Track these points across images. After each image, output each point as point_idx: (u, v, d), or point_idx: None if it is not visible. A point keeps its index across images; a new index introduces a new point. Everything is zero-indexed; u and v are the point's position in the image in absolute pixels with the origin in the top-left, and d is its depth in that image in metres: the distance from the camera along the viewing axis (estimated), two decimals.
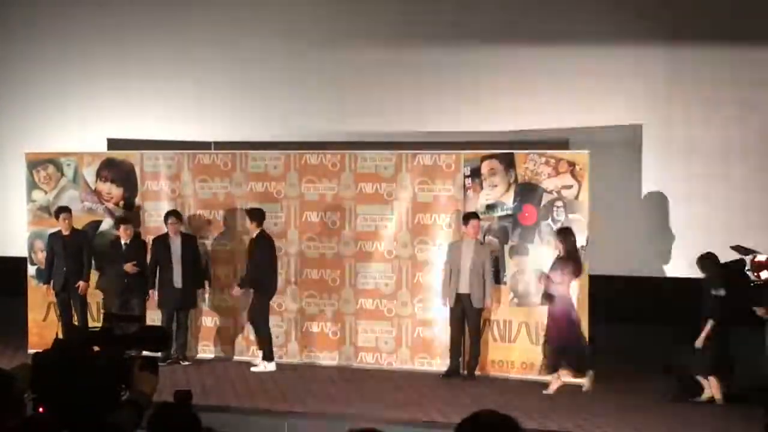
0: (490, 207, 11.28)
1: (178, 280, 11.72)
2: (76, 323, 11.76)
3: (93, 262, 12.06)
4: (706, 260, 10.12)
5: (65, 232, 11.96)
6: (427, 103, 12.57)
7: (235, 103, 13.15)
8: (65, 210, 11.98)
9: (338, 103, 12.83)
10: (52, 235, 12.03)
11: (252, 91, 13.13)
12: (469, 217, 10.99)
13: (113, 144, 13.20)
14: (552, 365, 10.51)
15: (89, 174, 12.46)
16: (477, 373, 11.18)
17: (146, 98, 13.38)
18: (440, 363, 11.42)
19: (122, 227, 11.86)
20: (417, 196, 11.52)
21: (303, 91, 12.96)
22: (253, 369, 11.47)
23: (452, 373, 11.11)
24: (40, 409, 4.13)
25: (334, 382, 10.96)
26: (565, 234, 10.55)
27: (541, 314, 10.93)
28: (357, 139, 12.33)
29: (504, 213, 11.22)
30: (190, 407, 4.71)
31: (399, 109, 12.61)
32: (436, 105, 12.53)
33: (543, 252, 11.00)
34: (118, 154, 12.57)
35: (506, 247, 11.18)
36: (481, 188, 11.29)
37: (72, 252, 11.93)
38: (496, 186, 11.25)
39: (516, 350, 11.19)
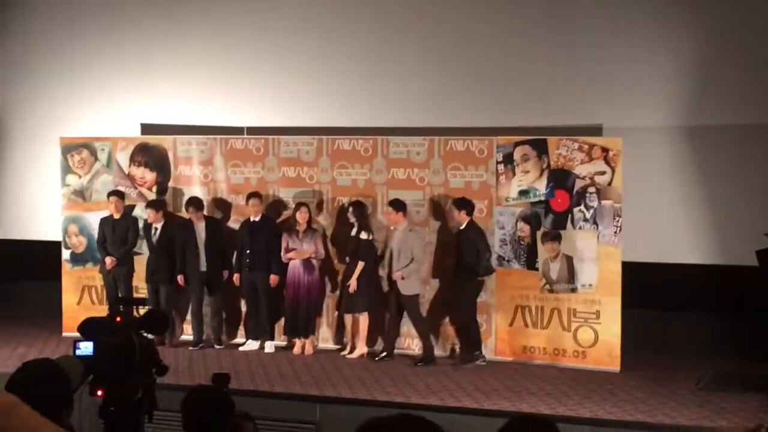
0: (523, 193, 11.27)
1: (203, 264, 11.85)
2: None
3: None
4: (357, 208, 11.26)
5: (115, 216, 12.15)
6: (460, 89, 12.54)
7: (268, 89, 13.15)
8: (116, 194, 12.15)
9: (371, 88, 12.83)
10: (103, 219, 12.23)
11: (285, 76, 13.12)
12: (389, 204, 11.31)
13: (147, 129, 13.22)
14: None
15: (123, 158, 12.56)
16: (509, 359, 11.28)
17: (180, 83, 13.41)
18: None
19: (150, 211, 12.00)
20: (449, 182, 11.53)
21: (336, 76, 12.95)
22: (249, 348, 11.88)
23: (389, 355, 11.31)
24: (99, 393, 4.28)
25: (366, 368, 11.01)
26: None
27: (572, 300, 10.99)
28: (390, 124, 12.33)
29: (536, 199, 11.20)
30: (227, 390, 4.83)
31: (432, 95, 12.60)
32: (469, 90, 12.51)
33: (576, 238, 11.01)
34: (152, 139, 12.63)
35: (538, 233, 11.19)
36: (514, 174, 11.29)
37: (120, 235, 12.13)
38: (528, 172, 11.23)
39: (548, 336, 11.22)
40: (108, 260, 12.13)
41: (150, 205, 12.08)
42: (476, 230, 11.06)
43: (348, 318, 11.56)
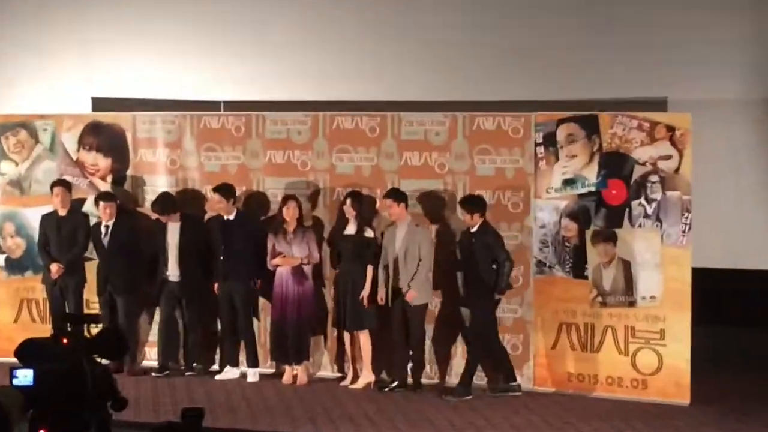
0: (568, 182, 11.22)
1: (173, 273, 11.85)
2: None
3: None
4: (356, 200, 11.35)
5: (61, 212, 12.05)
6: (490, 53, 12.55)
7: (251, 54, 13.13)
8: (60, 183, 12.06)
9: (377, 55, 12.86)
10: (44, 216, 12.13)
11: (271, 39, 13.13)
12: (384, 194, 11.37)
13: (100, 104, 13.21)
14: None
15: (70, 141, 12.45)
16: (551, 389, 11.27)
17: (141, 48, 13.39)
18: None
19: (102, 205, 11.90)
20: (476, 169, 11.49)
21: (334, 40, 12.99)
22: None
23: (400, 385, 11.31)
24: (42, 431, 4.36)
25: (374, 401, 10.94)
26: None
27: (630, 317, 10.94)
28: (400, 98, 12.32)
29: (585, 190, 11.16)
30: (201, 428, 4.95)
31: (455, 61, 12.62)
32: (501, 55, 12.53)
33: (635, 238, 10.92)
34: (106, 117, 12.54)
35: (588, 233, 11.12)
36: (557, 159, 11.24)
37: (67, 236, 12.04)
38: (575, 156, 11.19)
39: (600, 362, 11.14)
40: (53, 267, 12.00)
41: (101, 197, 11.98)
42: (493, 234, 11.07)
43: (348, 338, 11.56)
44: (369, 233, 11.36)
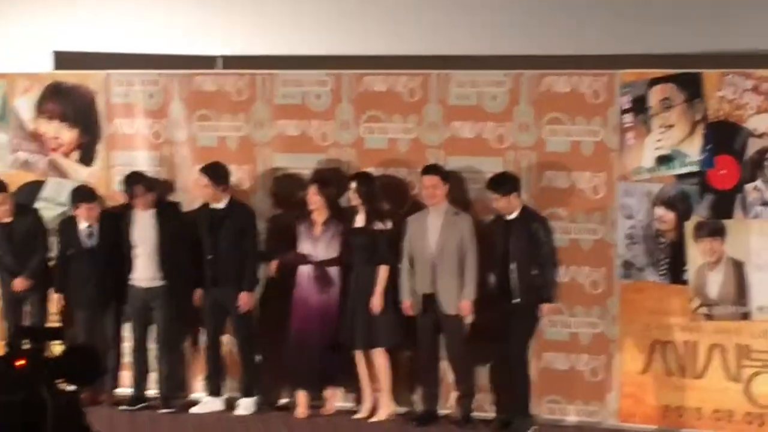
0: (663, 160, 11.08)
1: (142, 276, 11.88)
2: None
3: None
4: (363, 183, 11.34)
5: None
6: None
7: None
8: None
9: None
10: None
11: None
12: (426, 171, 11.37)
13: (63, 59, 13.01)
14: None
15: (25, 107, 12.43)
16: (642, 426, 11.13)
17: None
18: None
19: (84, 207, 11.81)
20: (545, 143, 11.40)
21: None
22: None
23: (428, 417, 11.38)
24: None
25: None
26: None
27: (744, 333, 10.81)
28: (449, 51, 12.17)
29: (685, 170, 11.03)
30: None
31: (515, 4, 12.40)
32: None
33: (750, 232, 10.81)
34: (72, 76, 12.53)
35: (688, 225, 11.00)
36: (649, 130, 11.11)
37: (22, 240, 12.07)
38: (672, 126, 11.06)
39: (704, 390, 10.99)
40: (18, 284, 11.99)
41: (81, 198, 11.82)
42: (540, 223, 11.07)
43: (360, 357, 11.52)
44: (380, 225, 11.34)
